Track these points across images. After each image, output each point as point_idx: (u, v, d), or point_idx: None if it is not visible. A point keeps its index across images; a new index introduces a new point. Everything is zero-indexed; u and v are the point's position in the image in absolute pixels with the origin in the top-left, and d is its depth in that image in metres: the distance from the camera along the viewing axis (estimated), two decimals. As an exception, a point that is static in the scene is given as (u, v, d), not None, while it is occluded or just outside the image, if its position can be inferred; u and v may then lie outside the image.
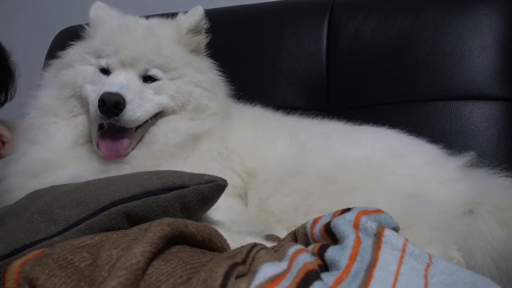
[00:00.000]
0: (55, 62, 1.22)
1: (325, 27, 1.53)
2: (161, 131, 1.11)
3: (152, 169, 1.04)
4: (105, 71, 1.12)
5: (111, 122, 1.05)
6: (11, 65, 1.61)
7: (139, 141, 1.11)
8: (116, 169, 1.06)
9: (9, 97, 1.63)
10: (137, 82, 1.10)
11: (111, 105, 1.01)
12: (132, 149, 1.10)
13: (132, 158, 1.08)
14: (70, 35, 1.86)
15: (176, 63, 1.14)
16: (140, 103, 1.06)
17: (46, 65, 1.73)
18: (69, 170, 1.06)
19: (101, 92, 1.03)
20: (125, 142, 1.07)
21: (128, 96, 1.04)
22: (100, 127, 1.09)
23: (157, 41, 1.14)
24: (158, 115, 1.13)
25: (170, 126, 1.12)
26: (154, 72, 1.12)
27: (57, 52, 1.24)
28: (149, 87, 1.11)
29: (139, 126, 1.10)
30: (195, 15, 1.19)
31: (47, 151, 1.10)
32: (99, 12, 1.22)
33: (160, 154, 1.09)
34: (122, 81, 1.07)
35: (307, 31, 1.55)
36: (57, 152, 1.10)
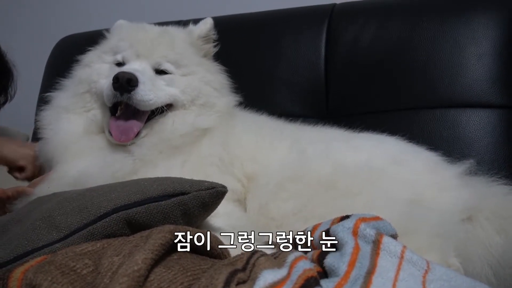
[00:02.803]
0: (74, 68, 1.28)
1: (324, 35, 1.54)
2: (169, 120, 1.16)
3: (154, 163, 1.09)
4: (120, 65, 1.18)
5: (124, 101, 1.09)
6: (8, 64, 1.59)
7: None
8: (120, 160, 1.09)
9: (9, 98, 1.62)
10: (150, 71, 1.16)
11: (124, 81, 1.07)
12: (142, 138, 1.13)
13: (138, 146, 1.11)
14: (70, 44, 1.88)
15: (188, 61, 1.21)
16: (152, 89, 1.11)
17: (46, 74, 1.74)
18: (81, 161, 1.11)
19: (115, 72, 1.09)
20: (135, 126, 1.11)
21: (141, 77, 1.10)
22: (113, 113, 1.13)
23: (171, 39, 1.22)
24: (168, 109, 1.17)
25: (177, 117, 1.17)
26: (166, 66, 1.18)
27: (70, 58, 1.30)
28: (161, 79, 1.17)
29: (152, 117, 1.14)
30: (206, 24, 1.29)
31: (57, 141, 1.16)
32: (120, 23, 1.32)
33: (165, 143, 1.13)
34: (137, 68, 1.13)
35: (306, 39, 1.56)
36: (69, 140, 1.15)
